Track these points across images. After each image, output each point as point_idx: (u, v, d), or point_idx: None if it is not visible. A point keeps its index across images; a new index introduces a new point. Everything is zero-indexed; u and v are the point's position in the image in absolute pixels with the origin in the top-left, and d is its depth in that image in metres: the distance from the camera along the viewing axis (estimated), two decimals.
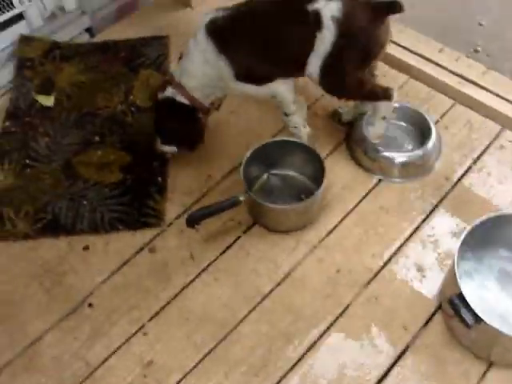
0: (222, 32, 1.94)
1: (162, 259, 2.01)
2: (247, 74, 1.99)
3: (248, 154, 2.05)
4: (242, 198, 1.98)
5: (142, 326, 1.85)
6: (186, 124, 2.08)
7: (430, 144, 2.17)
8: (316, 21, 1.86)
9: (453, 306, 1.66)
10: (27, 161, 2.26)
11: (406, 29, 2.62)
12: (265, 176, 2.17)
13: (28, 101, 2.45)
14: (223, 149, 2.29)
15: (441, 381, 1.72)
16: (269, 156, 2.12)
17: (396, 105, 2.17)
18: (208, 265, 1.99)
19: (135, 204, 2.12)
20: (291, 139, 2.14)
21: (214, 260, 2.00)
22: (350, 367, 1.75)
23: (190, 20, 2.76)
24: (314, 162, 2.08)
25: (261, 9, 1.96)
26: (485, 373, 1.73)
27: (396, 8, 1.86)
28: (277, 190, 2.14)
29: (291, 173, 2.18)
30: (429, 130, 2.20)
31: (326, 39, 1.88)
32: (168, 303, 1.90)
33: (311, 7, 1.86)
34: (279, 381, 1.73)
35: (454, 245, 1.82)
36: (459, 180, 2.17)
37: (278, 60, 1.97)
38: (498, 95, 2.36)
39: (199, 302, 1.90)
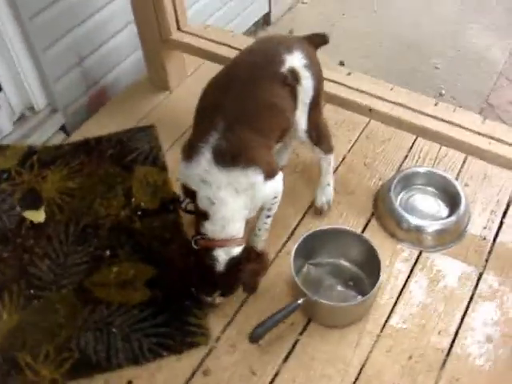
0: (227, 151, 1.74)
1: (220, 381, 1.80)
2: (268, 167, 1.82)
3: (292, 252, 1.91)
4: (300, 302, 1.83)
5: None
6: (252, 267, 1.82)
7: (462, 208, 2.12)
8: (294, 76, 1.87)
9: None
10: (31, 291, 1.98)
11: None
12: (305, 268, 2.03)
13: (14, 219, 2.17)
14: None
15: None
16: (307, 247, 1.99)
17: (421, 170, 2.12)
18: (273, 379, 1.80)
19: (175, 323, 1.89)
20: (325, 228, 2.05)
21: (278, 372, 1.82)
22: None
23: (171, 105, 2.60)
24: (353, 245, 1.99)
25: (243, 95, 1.82)
26: None
27: (326, 40, 2.03)
28: (321, 281, 2.00)
29: (330, 260, 2.05)
30: (457, 193, 2.16)
31: (307, 87, 1.90)
32: None
33: (285, 68, 1.85)
34: None
35: None
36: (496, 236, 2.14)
37: (275, 135, 1.90)
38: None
39: None
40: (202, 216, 1.78)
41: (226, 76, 1.89)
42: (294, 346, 1.87)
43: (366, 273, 1.98)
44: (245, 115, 1.78)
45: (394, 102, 2.15)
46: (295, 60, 1.88)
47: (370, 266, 1.94)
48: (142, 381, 1.80)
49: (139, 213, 2.18)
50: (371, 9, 3.80)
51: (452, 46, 3.57)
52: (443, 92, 3.28)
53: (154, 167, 2.33)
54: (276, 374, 1.81)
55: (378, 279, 1.86)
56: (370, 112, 2.14)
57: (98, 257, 2.07)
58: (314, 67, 1.94)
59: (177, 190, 2.23)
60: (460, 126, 2.14)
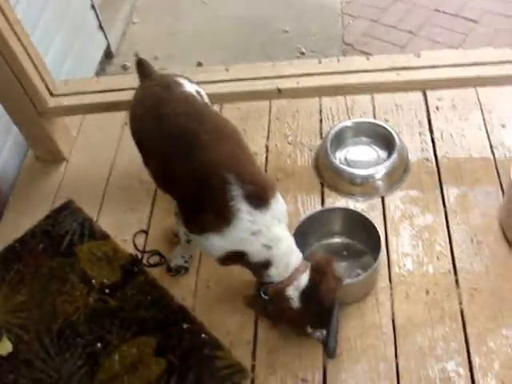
0: (255, 191, 1.63)
1: None
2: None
3: None
4: None
5: None
6: (325, 286, 1.67)
7: (398, 143, 2.19)
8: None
9: None
10: None
11: None
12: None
13: None
14: None
15: None
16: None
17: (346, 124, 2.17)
18: (324, 376, 1.77)
19: (205, 376, 1.78)
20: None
21: (325, 367, 1.79)
22: None
23: (75, 172, 2.43)
24: (335, 220, 2.02)
25: None
26: None
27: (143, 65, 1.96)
28: None
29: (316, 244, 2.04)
30: (386, 132, 2.23)
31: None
32: None
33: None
34: None
35: None
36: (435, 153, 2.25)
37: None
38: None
39: None
40: (261, 269, 1.66)
41: (168, 134, 1.72)
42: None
43: (355, 239, 2.00)
44: (232, 151, 1.69)
45: (295, 75, 2.15)
46: (188, 84, 1.85)
47: (355, 231, 1.97)
48: None
49: (107, 291, 2.02)
50: (200, 2, 3.79)
51: (289, 6, 3.66)
52: (303, 50, 3.37)
53: (95, 240, 2.16)
54: (324, 371, 1.79)
55: (366, 241, 1.90)
56: (279, 92, 2.13)
57: (91, 354, 1.88)
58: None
59: (130, 249, 2.12)
60: (353, 72, 2.19)
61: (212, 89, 2.11)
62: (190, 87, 1.84)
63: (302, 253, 1.72)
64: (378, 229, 1.93)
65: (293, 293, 1.65)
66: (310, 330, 1.71)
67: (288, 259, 1.66)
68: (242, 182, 1.60)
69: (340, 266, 1.93)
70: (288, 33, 3.50)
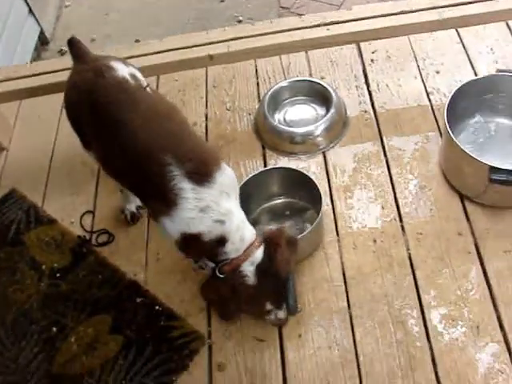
0: (197, 167, 1.61)
1: (237, 365, 1.76)
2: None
3: None
4: None
5: None
6: (280, 260, 1.65)
7: (335, 98, 2.20)
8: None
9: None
10: None
11: None
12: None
13: None
14: None
15: None
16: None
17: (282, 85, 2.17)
18: (280, 336, 1.79)
19: (163, 347, 1.81)
20: None
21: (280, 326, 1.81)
22: None
23: (16, 160, 2.39)
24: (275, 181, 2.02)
25: None
26: None
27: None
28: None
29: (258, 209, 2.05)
30: (323, 88, 2.24)
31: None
32: None
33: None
34: None
35: None
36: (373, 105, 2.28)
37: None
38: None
39: None
40: (215, 247, 1.61)
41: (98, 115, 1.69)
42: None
43: (295, 197, 2.02)
44: (167, 131, 1.65)
45: (226, 40, 2.14)
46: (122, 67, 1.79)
47: (295, 189, 2.00)
48: None
49: (58, 275, 2.01)
50: None
51: None
52: (240, 18, 3.35)
53: (42, 225, 2.14)
54: (280, 330, 1.80)
55: (307, 196, 1.93)
56: (210, 59, 2.12)
57: (48, 339, 1.88)
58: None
59: (78, 232, 2.11)
60: (285, 31, 2.19)
61: (146, 61, 2.12)
62: (123, 71, 1.76)
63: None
64: (320, 184, 1.95)
65: (248, 268, 1.62)
66: (268, 306, 1.69)
67: (242, 233, 1.63)
68: (181, 160, 1.57)
69: (286, 226, 1.93)
70: (224, 2, 3.47)
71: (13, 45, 3.00)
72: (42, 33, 3.31)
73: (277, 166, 2.09)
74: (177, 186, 1.56)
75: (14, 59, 2.97)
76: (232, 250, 1.62)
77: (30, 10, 3.18)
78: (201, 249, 1.63)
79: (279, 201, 2.05)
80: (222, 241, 1.60)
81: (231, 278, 1.62)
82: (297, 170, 1.99)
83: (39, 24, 3.27)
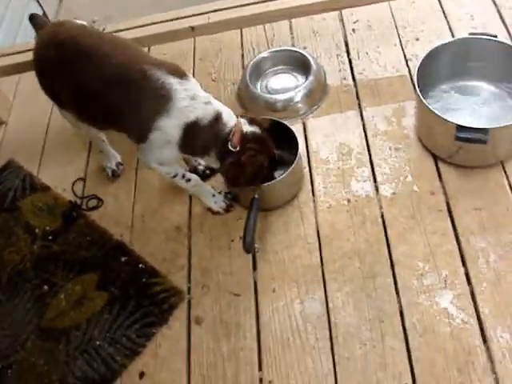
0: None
1: (213, 319, 1.85)
2: None
3: None
4: (256, 196, 1.91)
5: None
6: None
7: (314, 66, 2.27)
8: None
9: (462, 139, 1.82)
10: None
11: None
12: None
13: None
14: None
15: None
16: None
17: (262, 56, 2.25)
18: (255, 291, 1.89)
19: (144, 302, 1.91)
20: None
21: (256, 282, 1.91)
22: None
23: (15, 133, 2.53)
24: None
25: None
26: None
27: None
28: None
29: None
30: (302, 56, 2.31)
31: None
32: None
33: None
34: None
35: None
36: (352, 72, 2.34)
37: None
38: None
39: None
40: (215, 124, 1.79)
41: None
42: (253, 254, 1.95)
43: (283, 149, 2.06)
44: (136, 52, 1.86)
45: (206, 12, 2.22)
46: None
47: (281, 140, 2.03)
48: (150, 365, 1.80)
49: (50, 237, 2.13)
50: None
51: None
52: None
53: (36, 192, 2.26)
54: (255, 285, 1.90)
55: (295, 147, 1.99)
56: (192, 30, 2.20)
57: (39, 296, 2.00)
58: None
59: (70, 197, 2.23)
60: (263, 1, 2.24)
61: (134, 34, 2.25)
62: (80, 22, 1.94)
63: None
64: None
65: (250, 130, 1.83)
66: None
67: (226, 108, 1.83)
68: (157, 65, 1.75)
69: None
70: None
71: (15, 28, 3.12)
72: (44, 16, 3.43)
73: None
74: (165, 82, 1.73)
75: (16, 41, 3.09)
76: (228, 119, 1.81)
77: None
78: (203, 135, 1.78)
79: None
80: (218, 117, 1.79)
81: (243, 146, 1.79)
82: (282, 123, 2.06)
83: (41, 7, 3.38)
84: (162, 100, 1.72)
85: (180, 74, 1.76)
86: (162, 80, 1.72)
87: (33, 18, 2.04)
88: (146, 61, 1.78)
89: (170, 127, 1.74)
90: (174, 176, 1.95)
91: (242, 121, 1.85)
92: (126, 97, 1.75)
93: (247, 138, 1.81)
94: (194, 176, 2.00)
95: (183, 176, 1.96)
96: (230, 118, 1.82)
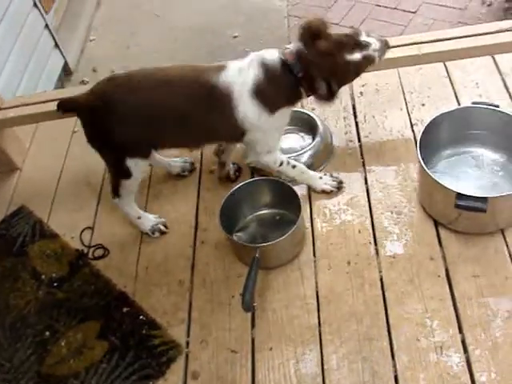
0: None
1: (210, 375, 1.87)
2: None
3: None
4: (257, 255, 1.94)
5: None
6: None
7: (320, 127, 2.33)
8: None
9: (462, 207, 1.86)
10: None
11: None
12: (234, 237, 2.12)
13: None
14: None
15: None
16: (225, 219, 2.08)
17: None
18: (253, 349, 1.91)
19: (143, 354, 1.93)
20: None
21: (253, 340, 1.92)
22: None
23: (27, 180, 2.59)
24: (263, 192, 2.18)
25: None
26: None
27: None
28: (255, 237, 2.14)
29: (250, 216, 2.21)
30: (310, 118, 2.38)
31: None
32: None
33: None
34: None
35: None
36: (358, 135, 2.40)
37: None
38: None
39: None
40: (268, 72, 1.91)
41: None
42: (252, 311, 1.96)
43: (287, 209, 2.15)
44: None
45: None
46: None
47: (285, 200, 2.13)
48: None
49: (55, 284, 2.18)
50: (153, 15, 3.97)
51: (239, 12, 3.84)
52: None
53: (45, 239, 2.32)
54: (253, 343, 1.92)
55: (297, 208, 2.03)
56: None
57: (41, 342, 2.03)
58: None
59: (77, 246, 2.28)
60: None
61: None
62: None
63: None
64: (302, 206, 2.05)
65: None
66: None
67: (263, 53, 1.99)
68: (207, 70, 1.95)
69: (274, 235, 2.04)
70: (237, 38, 3.67)
71: (37, 75, 3.25)
72: (66, 64, 3.57)
73: (267, 178, 2.22)
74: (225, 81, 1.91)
75: (38, 89, 3.22)
76: (272, 57, 1.92)
77: (56, 44, 3.44)
78: (272, 86, 1.92)
79: (271, 211, 2.20)
80: (263, 66, 1.91)
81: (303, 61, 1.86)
82: (283, 183, 2.11)
83: (63, 56, 3.52)
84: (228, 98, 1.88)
85: (221, 68, 1.92)
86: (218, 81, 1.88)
87: (60, 106, 2.07)
88: (199, 70, 1.95)
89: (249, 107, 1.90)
90: (281, 164, 2.07)
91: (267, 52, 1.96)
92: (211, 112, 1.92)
93: (298, 52, 1.87)
94: (298, 164, 2.14)
95: (288, 163, 2.09)
96: (272, 56, 1.92)
